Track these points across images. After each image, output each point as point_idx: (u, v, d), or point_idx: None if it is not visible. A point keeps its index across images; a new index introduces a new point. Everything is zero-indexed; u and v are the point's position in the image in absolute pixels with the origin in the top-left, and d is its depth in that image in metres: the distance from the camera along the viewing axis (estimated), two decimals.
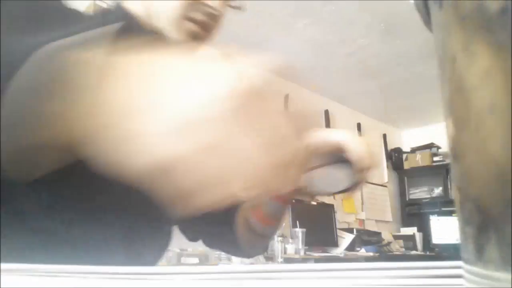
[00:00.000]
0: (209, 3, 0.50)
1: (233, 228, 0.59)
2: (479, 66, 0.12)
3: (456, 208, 0.13)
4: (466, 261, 0.12)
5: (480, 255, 0.11)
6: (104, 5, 2.70)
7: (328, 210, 4.04)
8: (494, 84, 0.11)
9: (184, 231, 0.65)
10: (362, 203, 5.05)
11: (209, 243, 0.64)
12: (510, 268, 0.10)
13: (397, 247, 4.61)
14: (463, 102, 0.13)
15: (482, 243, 0.11)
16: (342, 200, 4.69)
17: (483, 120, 0.12)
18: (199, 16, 0.50)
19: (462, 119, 0.13)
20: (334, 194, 0.35)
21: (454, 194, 0.13)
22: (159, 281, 0.21)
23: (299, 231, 3.20)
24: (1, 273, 0.22)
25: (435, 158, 5.45)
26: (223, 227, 0.60)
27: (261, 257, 2.98)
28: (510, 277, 0.10)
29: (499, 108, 0.11)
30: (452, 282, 0.14)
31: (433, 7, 0.15)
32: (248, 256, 0.65)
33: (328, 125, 4.85)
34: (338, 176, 0.39)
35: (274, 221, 0.55)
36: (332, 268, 0.18)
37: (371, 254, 3.89)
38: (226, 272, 0.21)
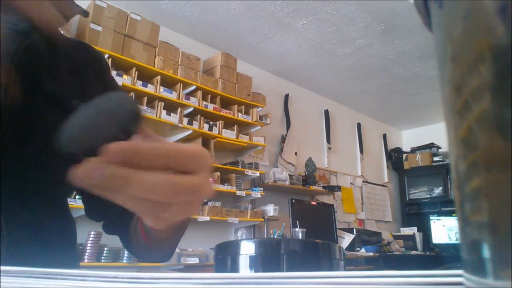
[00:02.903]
0: None
1: (131, 222, 0.57)
2: (480, 66, 0.12)
3: (456, 208, 0.13)
4: (466, 267, 0.12)
5: (479, 258, 0.11)
6: (104, 5, 2.70)
7: (328, 210, 4.04)
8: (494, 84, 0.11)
9: (87, 208, 0.64)
10: (362, 203, 5.06)
11: (108, 229, 0.63)
12: (510, 272, 0.10)
13: (397, 247, 4.61)
14: (463, 102, 0.13)
15: (482, 245, 0.11)
16: (342, 200, 4.69)
17: (482, 120, 0.12)
18: None
19: (462, 119, 0.13)
20: None
21: (454, 194, 0.13)
22: (159, 285, 0.21)
23: (299, 231, 3.20)
24: (1, 274, 0.22)
25: (435, 158, 5.45)
26: (124, 217, 0.58)
27: None
28: (509, 284, 0.10)
29: (499, 108, 0.11)
30: None
31: (433, 6, 0.15)
32: (136, 256, 0.62)
33: (328, 125, 4.85)
34: None
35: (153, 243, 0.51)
36: (330, 275, 0.18)
37: (371, 254, 3.89)
38: (225, 277, 0.21)
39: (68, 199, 0.62)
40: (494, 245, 0.11)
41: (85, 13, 0.59)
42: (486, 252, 0.11)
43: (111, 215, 0.61)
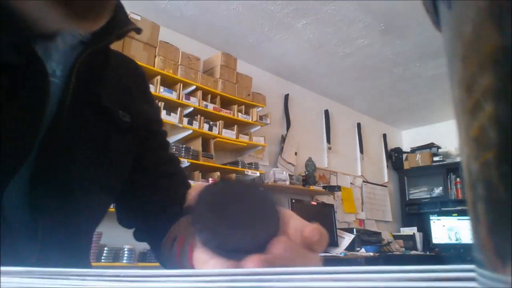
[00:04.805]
0: None
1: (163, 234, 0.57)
2: (491, 65, 0.12)
3: (468, 207, 0.13)
4: (478, 263, 0.12)
5: (492, 254, 0.11)
6: None
7: (328, 210, 4.04)
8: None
9: (120, 215, 0.64)
10: (362, 203, 5.06)
11: (138, 236, 0.63)
12: None
13: (397, 247, 4.62)
14: (474, 102, 0.13)
15: (493, 244, 0.11)
16: (342, 200, 4.69)
17: (494, 119, 0.12)
18: None
19: (473, 119, 0.13)
20: None
21: (465, 193, 0.13)
22: (159, 283, 0.21)
23: None
24: (1, 275, 0.22)
25: (435, 158, 5.45)
26: (155, 226, 0.58)
27: None
28: None
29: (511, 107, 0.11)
30: (464, 285, 0.14)
31: (442, 7, 0.15)
32: (163, 265, 0.60)
33: (328, 125, 4.86)
34: None
35: None
36: (333, 271, 0.18)
37: (371, 254, 3.89)
38: (226, 274, 0.21)
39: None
40: (507, 241, 0.11)
41: (137, 30, 0.59)
42: (499, 249, 0.11)
43: (143, 223, 0.62)
